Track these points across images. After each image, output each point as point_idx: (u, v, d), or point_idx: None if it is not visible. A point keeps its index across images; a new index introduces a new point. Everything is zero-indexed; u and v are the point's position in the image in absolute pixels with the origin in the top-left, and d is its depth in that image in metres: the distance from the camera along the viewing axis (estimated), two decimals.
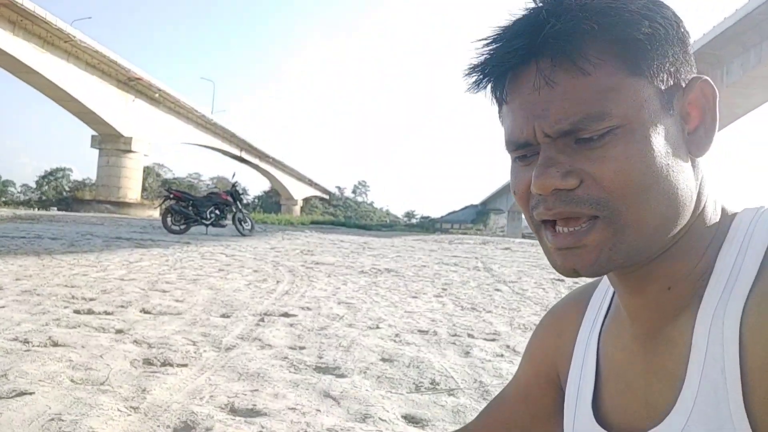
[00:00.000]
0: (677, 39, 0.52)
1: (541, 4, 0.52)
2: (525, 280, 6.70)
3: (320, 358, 2.97)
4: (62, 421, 1.97)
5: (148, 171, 51.51)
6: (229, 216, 13.40)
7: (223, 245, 10.09)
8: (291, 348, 3.16)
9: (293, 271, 6.83)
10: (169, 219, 12.62)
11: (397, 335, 3.58)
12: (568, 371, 0.69)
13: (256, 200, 66.57)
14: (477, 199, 64.93)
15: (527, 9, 0.53)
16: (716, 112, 0.54)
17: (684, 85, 0.54)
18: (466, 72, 0.56)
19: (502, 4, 0.55)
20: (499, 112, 0.58)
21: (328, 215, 58.45)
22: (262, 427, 2.02)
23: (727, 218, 0.57)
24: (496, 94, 0.56)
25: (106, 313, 3.85)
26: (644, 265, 0.55)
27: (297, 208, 65.49)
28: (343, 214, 65.22)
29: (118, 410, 2.11)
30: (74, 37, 29.56)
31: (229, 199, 13.36)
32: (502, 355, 3.19)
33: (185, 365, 2.74)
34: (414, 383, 2.62)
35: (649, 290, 0.56)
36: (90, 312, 3.85)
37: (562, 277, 6.93)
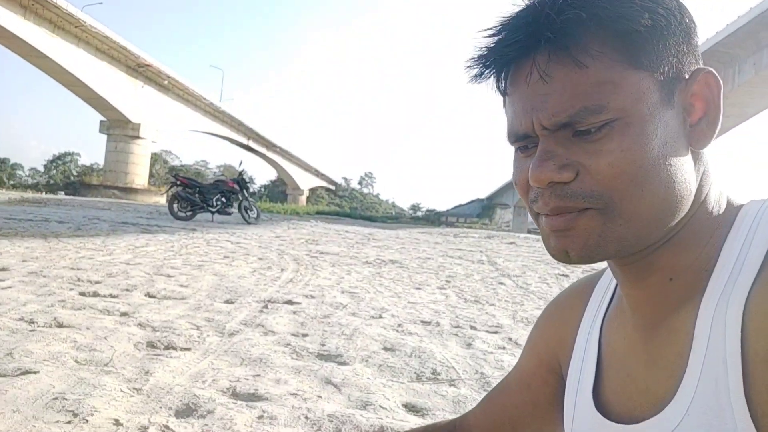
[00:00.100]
0: (680, 30, 0.52)
1: None
2: (529, 275, 6.69)
3: (322, 345, 2.99)
4: (66, 400, 1.99)
5: (155, 157, 51.72)
6: (236, 204, 13.43)
7: (228, 233, 10.12)
8: (294, 335, 3.18)
9: (298, 259, 6.85)
10: (175, 205, 12.66)
11: (399, 325, 3.59)
12: (570, 360, 0.70)
13: (263, 189, 66.74)
14: (483, 194, 64.89)
15: (529, 1, 0.53)
16: (720, 103, 0.54)
17: (687, 76, 0.53)
18: (469, 64, 0.57)
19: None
20: (503, 103, 0.58)
21: (334, 206, 58.54)
22: (263, 412, 2.03)
23: (732, 210, 0.57)
24: (498, 86, 0.57)
25: (111, 296, 3.88)
26: (645, 256, 0.55)
27: (303, 198, 65.62)
28: (349, 205, 65.31)
29: (121, 391, 2.13)
30: (84, 22, 29.63)
31: (236, 187, 13.39)
32: (504, 348, 3.19)
33: (188, 349, 2.76)
34: (415, 373, 2.63)
35: (651, 281, 0.56)
36: (95, 294, 3.88)
37: (566, 273, 6.93)
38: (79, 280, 4.36)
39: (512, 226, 48.28)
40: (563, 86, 0.50)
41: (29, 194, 22.48)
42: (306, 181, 69.16)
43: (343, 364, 2.70)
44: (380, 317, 3.81)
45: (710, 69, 0.54)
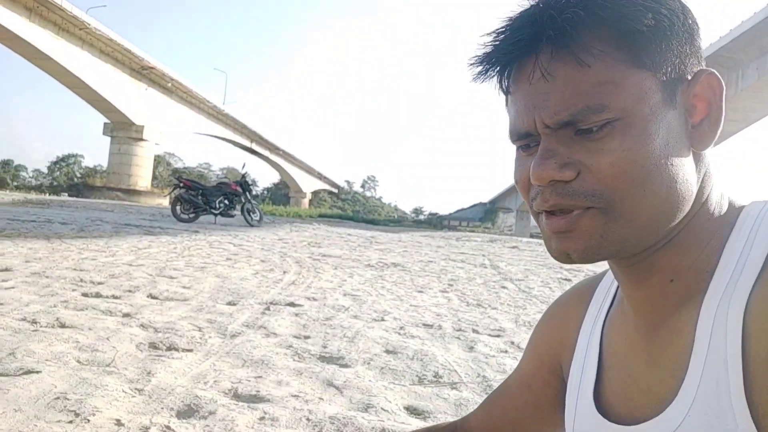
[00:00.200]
0: (683, 31, 0.52)
1: None
2: (532, 279, 6.68)
3: (324, 347, 2.99)
4: (68, 400, 1.99)
5: (158, 160, 51.86)
6: (238, 206, 13.43)
7: (231, 235, 10.13)
8: (296, 337, 3.18)
9: (300, 262, 6.85)
10: (178, 207, 12.68)
11: (401, 328, 3.59)
12: (571, 362, 0.70)
13: (266, 192, 66.81)
14: (486, 198, 64.78)
15: (533, 1, 0.54)
16: (722, 105, 0.54)
17: (689, 77, 0.53)
18: (472, 62, 0.57)
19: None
20: (506, 102, 0.58)
21: (337, 209, 58.56)
22: (265, 413, 2.03)
23: (734, 211, 0.57)
24: (501, 84, 0.57)
25: (114, 297, 3.88)
26: (646, 257, 0.55)
27: (306, 201, 65.68)
28: (352, 208, 65.35)
29: (123, 391, 2.13)
30: (89, 24, 29.77)
31: (239, 189, 13.39)
32: (506, 351, 3.19)
33: (190, 350, 2.76)
34: (417, 376, 2.62)
35: (652, 282, 0.56)
36: (98, 295, 3.89)
37: (569, 277, 6.92)
38: (81, 281, 4.36)
39: (515, 230, 48.26)
40: (565, 85, 0.50)
41: (33, 195, 22.55)
42: (309, 184, 69.23)
43: (345, 366, 2.69)
44: (382, 320, 3.80)
45: (712, 70, 0.54)
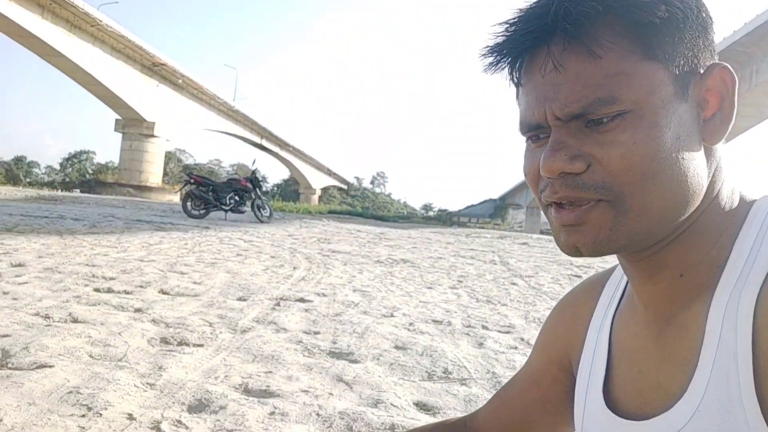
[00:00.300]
0: (697, 24, 0.52)
1: None
2: (542, 275, 6.66)
3: (334, 343, 2.99)
4: (80, 394, 2.01)
5: (169, 156, 52.10)
6: (249, 202, 13.49)
7: (241, 231, 10.18)
8: (306, 332, 3.19)
9: (310, 258, 6.87)
10: (189, 203, 12.75)
11: (411, 324, 3.59)
12: (580, 357, 0.69)
13: (275, 188, 66.97)
14: (495, 194, 64.53)
15: None
16: (735, 99, 0.53)
17: (702, 71, 0.53)
18: (483, 53, 0.57)
19: None
20: (516, 94, 0.58)
21: (346, 205, 58.59)
22: (275, 408, 2.04)
23: (745, 205, 0.56)
24: (512, 76, 0.57)
25: (126, 292, 3.92)
26: (656, 252, 0.55)
27: (315, 198, 65.77)
28: (361, 205, 65.35)
29: (135, 386, 2.15)
30: (101, 21, 29.92)
31: (249, 185, 13.44)
32: (516, 348, 3.18)
33: (201, 345, 2.78)
34: (426, 371, 2.63)
35: (661, 277, 0.56)
36: (110, 291, 3.92)
37: (579, 273, 6.89)
38: (93, 276, 4.40)
39: (525, 227, 48.04)
40: (577, 77, 0.50)
41: (45, 192, 22.76)
42: (318, 181, 69.34)
43: (355, 362, 2.70)
44: (392, 316, 3.81)
45: (725, 64, 0.53)
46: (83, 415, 1.85)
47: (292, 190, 67.82)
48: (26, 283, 3.93)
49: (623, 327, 0.64)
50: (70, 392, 2.02)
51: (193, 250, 6.81)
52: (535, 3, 0.53)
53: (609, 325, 0.66)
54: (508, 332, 3.57)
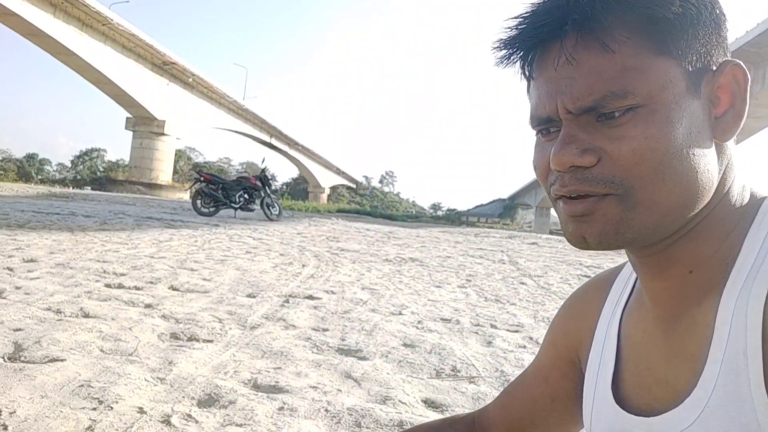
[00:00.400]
0: (710, 20, 0.51)
1: None
2: (551, 275, 6.64)
3: (343, 340, 3.00)
4: (91, 387, 2.03)
5: (179, 154, 52.39)
6: (258, 200, 13.54)
7: (251, 228, 10.21)
8: (314, 329, 3.20)
9: (319, 256, 6.89)
10: (198, 201, 12.82)
11: (419, 322, 3.59)
12: (589, 353, 0.69)
13: (285, 187, 67.12)
14: (505, 194, 64.31)
15: None
16: (746, 97, 0.53)
17: (714, 68, 0.53)
18: (495, 46, 0.56)
19: None
20: (527, 88, 0.58)
21: (355, 204, 58.59)
22: (284, 404, 2.05)
23: (755, 202, 0.56)
24: (524, 70, 0.56)
25: (136, 288, 3.94)
26: (665, 248, 0.55)
27: (324, 196, 65.88)
28: (370, 204, 65.39)
29: (145, 380, 2.17)
30: (112, 20, 30.13)
31: (258, 184, 13.49)
32: (524, 347, 3.18)
33: (211, 341, 2.79)
34: (435, 369, 2.63)
35: (670, 273, 0.56)
36: (120, 286, 3.95)
37: (588, 274, 6.85)
38: (104, 272, 4.44)
39: (534, 227, 47.86)
40: (589, 70, 0.50)
41: (57, 189, 22.95)
42: (327, 179, 69.45)
43: (363, 359, 2.71)
44: (400, 314, 3.81)
45: (738, 61, 0.53)
46: (94, 408, 1.87)
47: (301, 188, 67.97)
48: (38, 278, 3.97)
49: (632, 323, 0.64)
50: (82, 386, 2.04)
51: (203, 247, 6.84)
52: None
53: (618, 322, 0.66)
54: (516, 331, 3.56)
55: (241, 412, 1.95)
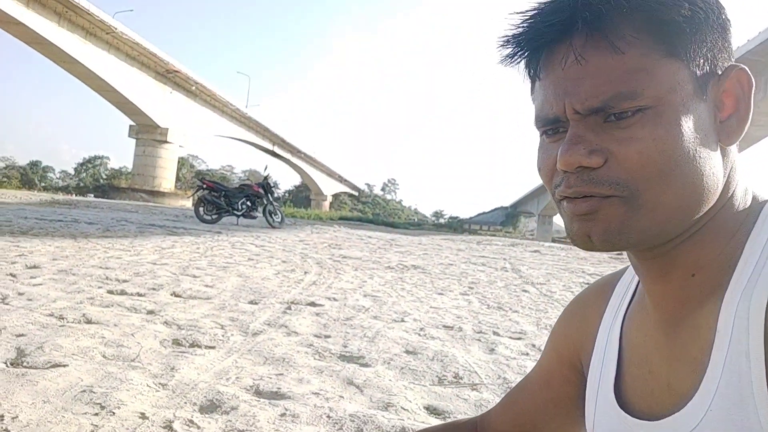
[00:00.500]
0: (717, 25, 0.52)
1: None
2: (554, 283, 6.62)
3: (345, 347, 3.00)
4: (93, 393, 2.03)
5: (182, 162, 52.54)
6: (260, 208, 13.54)
7: (253, 236, 10.22)
8: (316, 336, 3.19)
9: (321, 263, 6.88)
10: (201, 208, 12.83)
11: (421, 329, 3.59)
12: (591, 358, 0.69)
13: (287, 194, 67.19)
14: (507, 202, 64.33)
15: None
16: (751, 102, 0.54)
17: (720, 72, 0.53)
18: (501, 44, 0.56)
19: None
20: (532, 89, 0.58)
21: (357, 211, 58.66)
22: (286, 410, 2.05)
23: (757, 205, 0.56)
24: (530, 70, 0.56)
25: (138, 294, 3.95)
26: (668, 251, 0.55)
27: (326, 204, 65.96)
28: (372, 211, 65.38)
29: (147, 386, 2.17)
30: (116, 28, 30.33)
31: (261, 191, 13.49)
32: (527, 354, 3.17)
33: (213, 347, 2.79)
34: (437, 376, 2.62)
35: (673, 276, 0.56)
36: (123, 293, 3.95)
37: (591, 281, 6.83)
38: (107, 278, 4.44)
39: (536, 235, 47.79)
40: (598, 71, 0.50)
41: (60, 196, 23.00)
42: (329, 187, 69.54)
43: (365, 365, 2.70)
44: (402, 321, 3.81)
45: (743, 66, 0.53)
46: (96, 414, 1.87)
47: (303, 196, 68.06)
48: (41, 284, 3.98)
49: (634, 327, 0.64)
50: (84, 391, 2.04)
51: (205, 254, 6.85)
52: None
53: (620, 325, 0.66)
54: (519, 338, 3.55)
55: (243, 418, 1.95)
